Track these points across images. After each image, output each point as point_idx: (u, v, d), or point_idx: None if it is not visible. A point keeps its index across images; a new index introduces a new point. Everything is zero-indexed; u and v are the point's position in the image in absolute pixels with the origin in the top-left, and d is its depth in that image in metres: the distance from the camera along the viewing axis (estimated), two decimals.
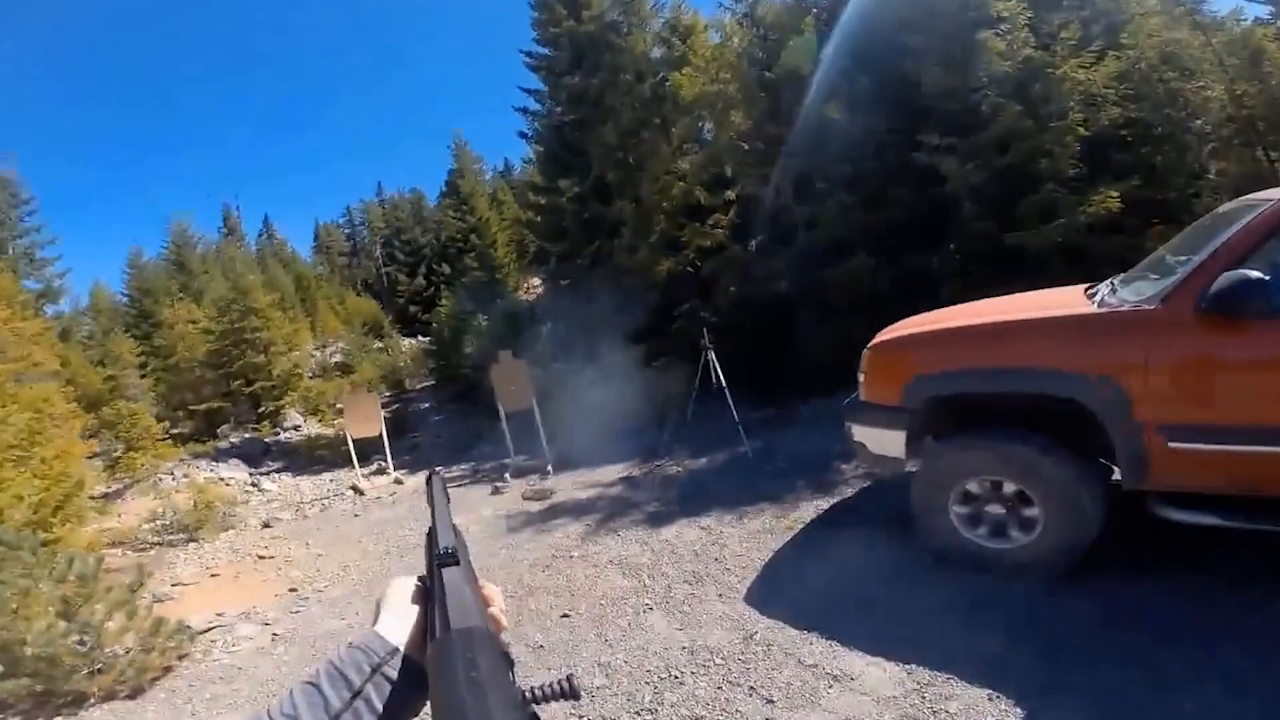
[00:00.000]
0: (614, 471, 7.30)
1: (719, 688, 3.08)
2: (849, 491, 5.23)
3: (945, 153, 7.46)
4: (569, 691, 0.61)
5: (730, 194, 10.53)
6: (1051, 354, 3.35)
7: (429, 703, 0.50)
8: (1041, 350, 3.41)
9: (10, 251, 18.88)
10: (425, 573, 0.72)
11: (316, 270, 38.26)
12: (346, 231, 48.68)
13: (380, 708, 0.60)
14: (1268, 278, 2.78)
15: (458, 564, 0.64)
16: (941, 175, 7.55)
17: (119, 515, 8.72)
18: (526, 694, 0.56)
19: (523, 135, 15.18)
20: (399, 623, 0.67)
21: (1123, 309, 3.23)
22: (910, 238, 8.00)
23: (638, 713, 3.02)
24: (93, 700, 4.03)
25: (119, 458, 10.76)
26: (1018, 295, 4.40)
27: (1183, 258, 3.25)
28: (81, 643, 4.01)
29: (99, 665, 4.01)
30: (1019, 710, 2.55)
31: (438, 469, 0.89)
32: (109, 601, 4.13)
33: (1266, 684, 2.43)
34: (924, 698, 2.72)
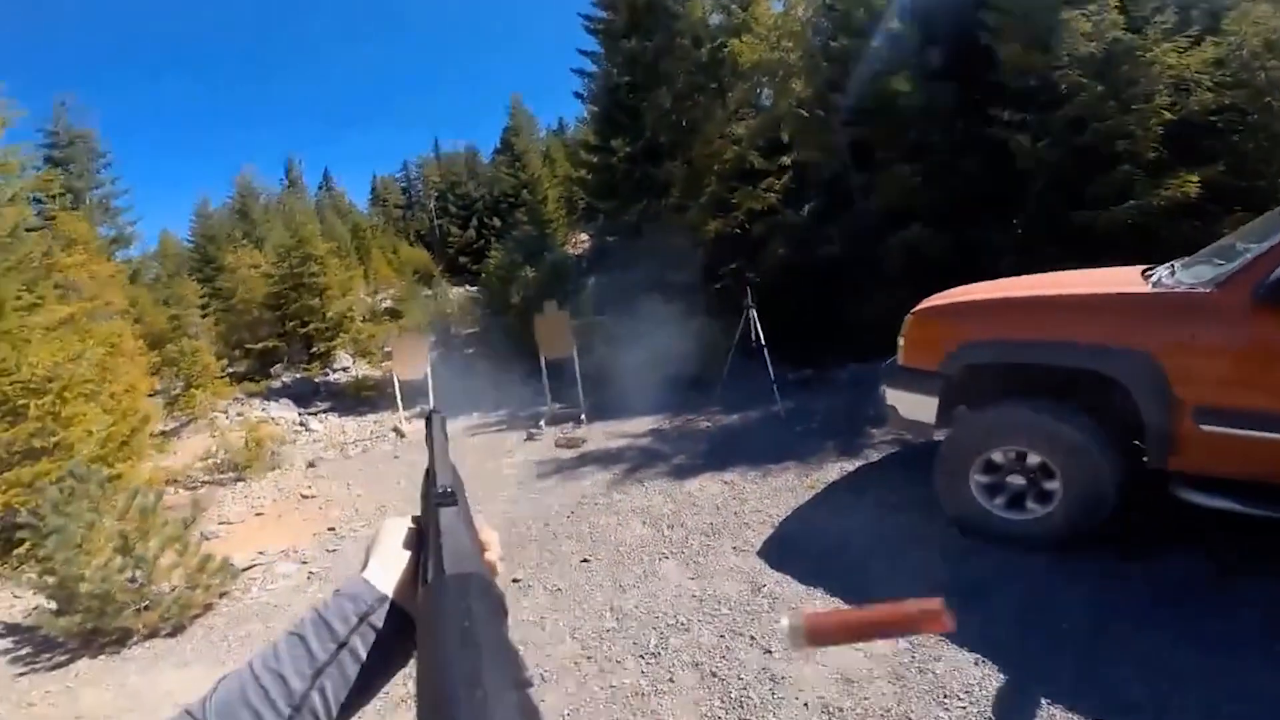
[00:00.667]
0: (646, 423, 7.39)
1: (722, 636, 3.17)
2: (876, 456, 5.22)
3: (1018, 128, 7.29)
4: None
5: (785, 159, 10.48)
6: (1093, 329, 3.32)
7: (415, 652, 0.48)
8: (1083, 324, 3.37)
9: (88, 201, 19.85)
10: (420, 514, 0.68)
11: (372, 221, 38.98)
12: (403, 185, 49.13)
13: (364, 657, 0.58)
14: None
15: (455, 505, 0.61)
16: (1010, 150, 7.39)
17: (174, 453, 9.19)
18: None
19: (578, 96, 15.42)
20: (388, 568, 0.63)
21: (1176, 290, 3.19)
22: (973, 210, 7.88)
23: (642, 656, 3.14)
24: (136, 638, 4.19)
25: (178, 395, 11.29)
26: (1071, 271, 4.29)
27: (1251, 245, 3.14)
28: (133, 579, 4.18)
29: (146, 602, 4.18)
30: (1001, 676, 2.61)
31: (437, 409, 0.84)
32: (163, 537, 4.33)
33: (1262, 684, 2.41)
34: (913, 657, 2.79)
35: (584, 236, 21.56)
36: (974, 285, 4.34)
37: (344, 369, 14.65)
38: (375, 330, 16.00)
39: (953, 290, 4.30)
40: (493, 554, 0.66)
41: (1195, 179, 6.38)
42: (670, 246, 11.07)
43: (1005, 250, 7.29)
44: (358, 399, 11.70)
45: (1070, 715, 2.38)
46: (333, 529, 5.84)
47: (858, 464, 5.11)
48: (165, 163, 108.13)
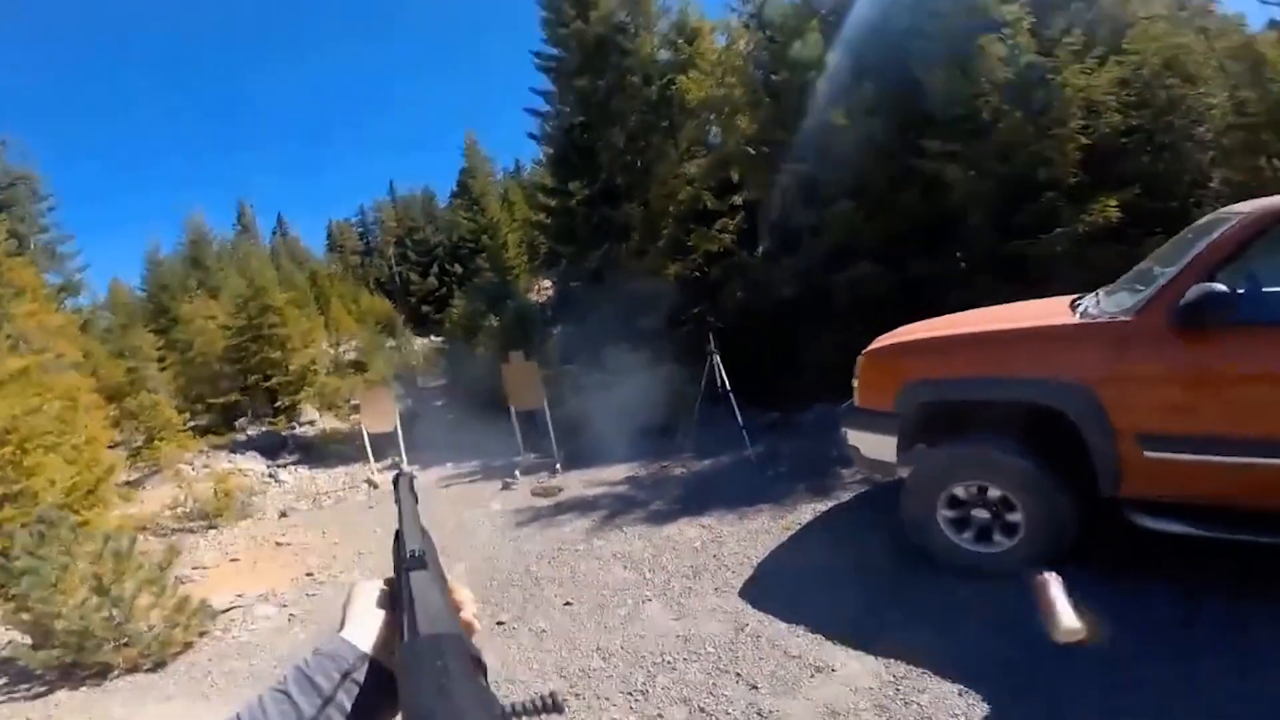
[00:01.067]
0: (621, 471, 7.47)
1: (708, 674, 3.26)
2: (846, 496, 5.39)
3: (948, 160, 7.36)
4: (552, 706, 0.57)
5: (737, 199, 10.52)
6: (1031, 363, 3.52)
7: (400, 710, 0.50)
8: (1022, 359, 3.58)
9: (31, 247, 19.19)
10: (392, 575, 0.71)
11: (329, 269, 38.60)
12: (360, 230, 48.87)
13: (350, 712, 0.60)
14: (1236, 290, 2.92)
15: (425, 568, 0.64)
16: (945, 182, 7.46)
17: (141, 502, 9.00)
18: (507, 708, 0.55)
19: (533, 136, 14.92)
20: (365, 627, 0.67)
21: (1100, 320, 3.39)
22: (915, 244, 7.97)
23: (630, 693, 3.21)
24: (117, 672, 4.24)
25: (140, 447, 11.03)
26: (1007, 305, 4.55)
27: (1165, 270, 3.37)
28: (110, 617, 4.20)
29: (125, 639, 4.21)
30: (985, 705, 2.71)
31: (405, 470, 0.89)
32: (138, 579, 4.34)
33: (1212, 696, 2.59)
34: (898, 689, 2.90)
35: (546, 283, 21.64)
36: (920, 323, 4.54)
37: (310, 422, 14.44)
38: (340, 383, 15.82)
39: (902, 329, 4.50)
40: (468, 612, 0.70)
41: (1114, 203, 6.48)
42: (633, 292, 10.98)
43: (950, 284, 7.34)
44: (326, 452, 11.54)
45: None
46: (311, 574, 5.80)
47: (829, 504, 5.26)
48: (106, 208, 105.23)
